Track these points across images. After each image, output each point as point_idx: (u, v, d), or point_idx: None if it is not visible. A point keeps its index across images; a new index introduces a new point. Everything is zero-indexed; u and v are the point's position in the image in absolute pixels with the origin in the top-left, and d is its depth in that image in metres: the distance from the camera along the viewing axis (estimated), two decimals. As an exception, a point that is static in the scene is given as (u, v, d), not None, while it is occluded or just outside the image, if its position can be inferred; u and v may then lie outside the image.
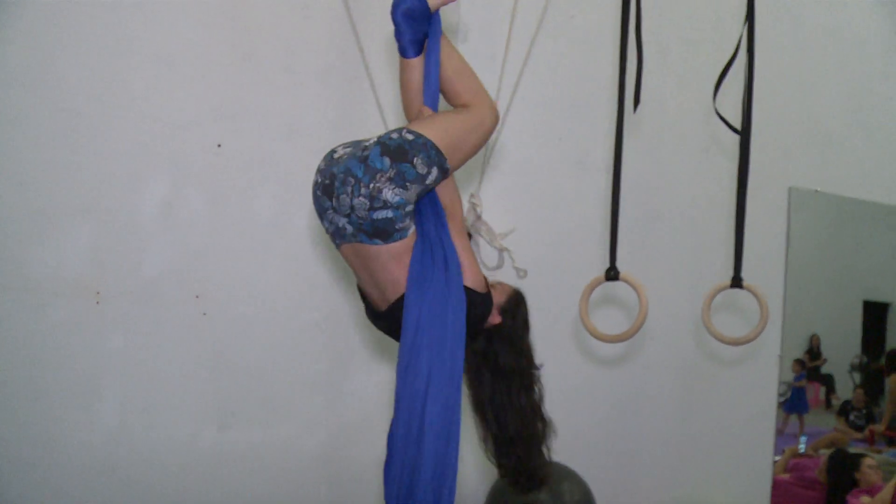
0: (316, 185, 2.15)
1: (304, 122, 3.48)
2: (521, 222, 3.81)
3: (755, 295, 2.57)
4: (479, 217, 3.69)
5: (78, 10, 3.16)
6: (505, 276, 3.77)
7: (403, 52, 2.23)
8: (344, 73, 3.55)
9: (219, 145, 3.36)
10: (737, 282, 2.61)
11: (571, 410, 3.85)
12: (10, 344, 3.10)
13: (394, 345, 2.16)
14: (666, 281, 3.98)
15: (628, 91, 2.68)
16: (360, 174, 2.03)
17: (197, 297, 3.33)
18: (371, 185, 2.03)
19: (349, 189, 2.04)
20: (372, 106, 3.55)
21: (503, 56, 3.73)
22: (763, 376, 4.37)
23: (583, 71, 4.01)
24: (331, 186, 2.09)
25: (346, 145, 2.19)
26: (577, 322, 3.75)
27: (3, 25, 3.06)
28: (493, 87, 3.74)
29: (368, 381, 3.65)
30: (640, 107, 2.72)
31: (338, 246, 2.19)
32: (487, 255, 3.79)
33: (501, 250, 3.76)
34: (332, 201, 2.10)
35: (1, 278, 3.08)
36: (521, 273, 3.78)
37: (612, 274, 2.64)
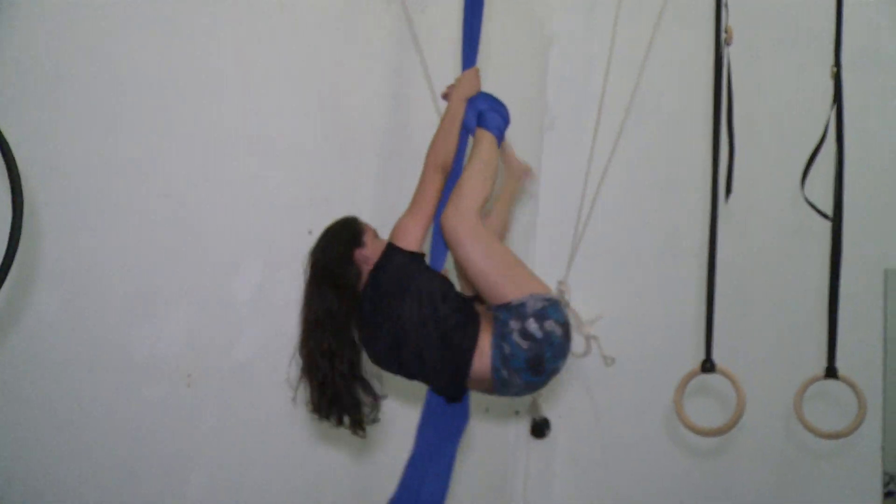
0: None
1: (396, 209, 3.53)
2: (609, 309, 3.78)
3: (851, 386, 2.49)
4: (566, 304, 3.67)
5: (180, 102, 3.31)
6: (593, 364, 3.74)
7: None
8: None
9: (309, 232, 3.43)
10: (831, 372, 2.53)
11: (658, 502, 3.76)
12: (106, 422, 3.18)
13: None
14: (759, 369, 3.85)
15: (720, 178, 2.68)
16: None
17: (287, 380, 3.37)
18: None
19: None
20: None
21: (591, 141, 3.76)
22: (864, 468, 4.17)
23: (671, 155, 4.00)
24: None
25: None
26: (666, 411, 3.67)
27: (113, 119, 3.22)
28: (581, 172, 3.77)
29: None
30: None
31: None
32: (575, 342, 3.73)
33: (589, 338, 3.73)
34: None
35: (102, 358, 3.18)
36: (609, 360, 3.74)
37: (707, 366, 2.59)
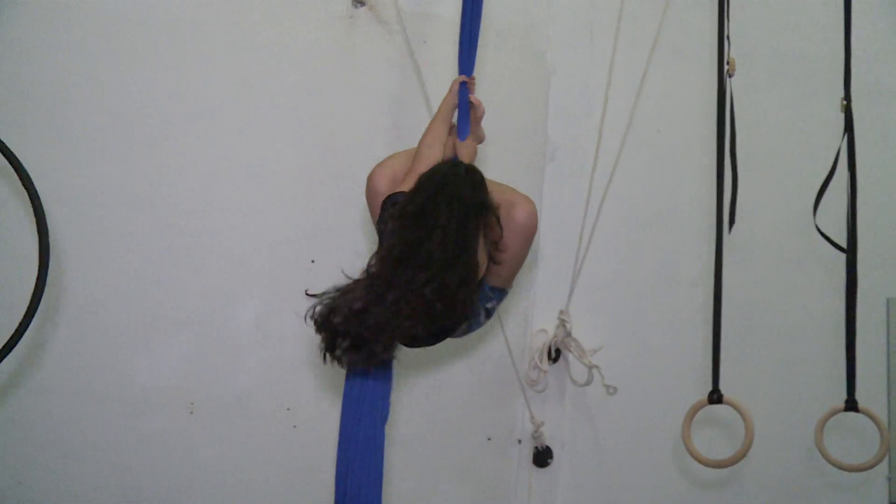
0: None
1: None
2: (610, 338, 3.77)
3: (873, 419, 2.47)
4: (568, 334, 3.67)
5: (182, 134, 3.33)
6: (595, 393, 3.73)
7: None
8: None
9: (312, 261, 3.44)
10: (851, 405, 2.51)
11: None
12: (106, 451, 3.17)
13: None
14: (764, 399, 3.83)
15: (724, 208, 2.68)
16: None
17: (288, 409, 3.37)
18: None
19: None
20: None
21: (591, 172, 3.77)
22: (871, 499, 4.14)
23: (670, 185, 4.00)
24: None
25: None
26: (670, 441, 3.65)
27: (113, 151, 3.24)
28: (581, 202, 3.77)
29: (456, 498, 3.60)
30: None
31: None
32: (577, 371, 3.75)
33: (591, 367, 3.71)
34: None
35: (102, 387, 3.18)
36: (611, 390, 3.72)
37: (715, 397, 2.56)
